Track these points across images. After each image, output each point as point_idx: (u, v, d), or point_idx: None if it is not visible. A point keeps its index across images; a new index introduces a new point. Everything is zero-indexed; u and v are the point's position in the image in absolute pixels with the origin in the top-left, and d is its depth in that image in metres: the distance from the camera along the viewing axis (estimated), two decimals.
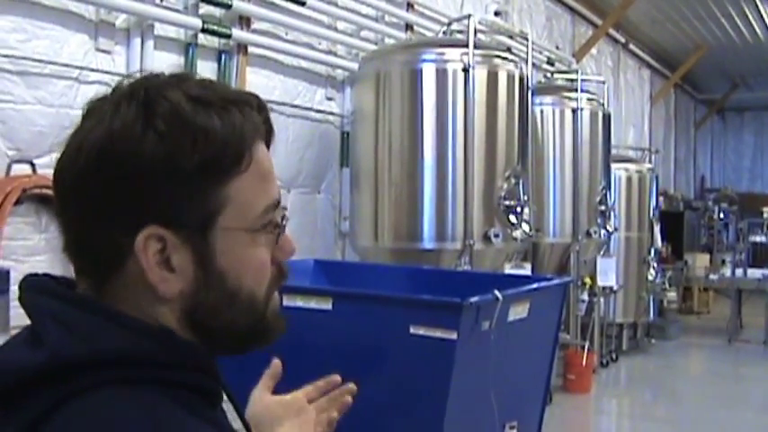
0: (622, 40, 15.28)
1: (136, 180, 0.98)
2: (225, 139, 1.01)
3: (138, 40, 5.43)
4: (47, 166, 4.77)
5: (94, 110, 1.04)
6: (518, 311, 3.42)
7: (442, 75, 6.47)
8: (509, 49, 7.44)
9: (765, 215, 16.05)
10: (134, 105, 1.00)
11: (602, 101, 9.90)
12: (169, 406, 0.97)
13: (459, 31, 7.15)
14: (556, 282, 4.34)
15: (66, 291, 1.05)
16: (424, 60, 6.53)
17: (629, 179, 11.18)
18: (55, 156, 4.77)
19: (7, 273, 3.94)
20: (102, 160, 0.98)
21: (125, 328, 0.99)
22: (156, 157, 0.97)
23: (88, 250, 1.03)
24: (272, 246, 1.10)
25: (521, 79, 6.83)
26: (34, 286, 1.06)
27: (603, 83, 10.71)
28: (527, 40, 7.81)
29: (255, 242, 1.07)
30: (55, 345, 0.96)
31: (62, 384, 0.95)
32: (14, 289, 3.80)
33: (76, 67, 5.05)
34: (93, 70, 5.15)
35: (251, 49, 6.48)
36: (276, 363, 1.64)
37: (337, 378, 1.65)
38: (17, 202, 4.58)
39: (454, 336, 2.94)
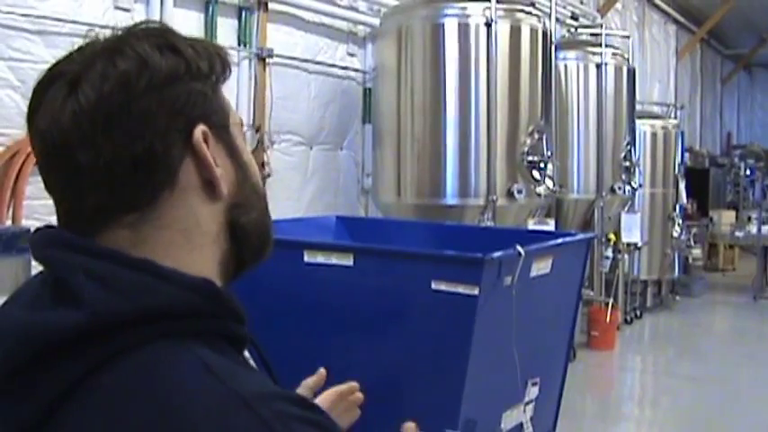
0: None
1: (169, 89, 1.03)
2: (212, 51, 1.11)
3: None
4: None
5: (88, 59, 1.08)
6: (541, 267, 3.39)
7: (464, 29, 6.40)
8: (532, 4, 7.33)
9: None
10: (145, 40, 1.07)
11: (626, 56, 9.79)
12: (218, 357, 0.96)
13: None
14: (579, 237, 4.29)
15: (95, 244, 1.02)
16: (447, 15, 6.47)
17: (654, 135, 11.08)
18: None
19: (28, 232, 3.95)
20: (136, 84, 1.01)
21: (164, 281, 0.98)
22: (179, 67, 1.04)
23: (136, 174, 1.01)
24: None
25: (544, 34, 6.75)
26: (54, 240, 1.03)
27: (628, 38, 10.57)
28: None
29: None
30: (95, 303, 0.94)
31: (105, 343, 0.93)
32: None
33: (96, 26, 5.03)
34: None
35: (272, 6, 6.44)
36: (322, 373, 1.74)
37: (356, 385, 1.76)
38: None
39: (476, 291, 2.92)
